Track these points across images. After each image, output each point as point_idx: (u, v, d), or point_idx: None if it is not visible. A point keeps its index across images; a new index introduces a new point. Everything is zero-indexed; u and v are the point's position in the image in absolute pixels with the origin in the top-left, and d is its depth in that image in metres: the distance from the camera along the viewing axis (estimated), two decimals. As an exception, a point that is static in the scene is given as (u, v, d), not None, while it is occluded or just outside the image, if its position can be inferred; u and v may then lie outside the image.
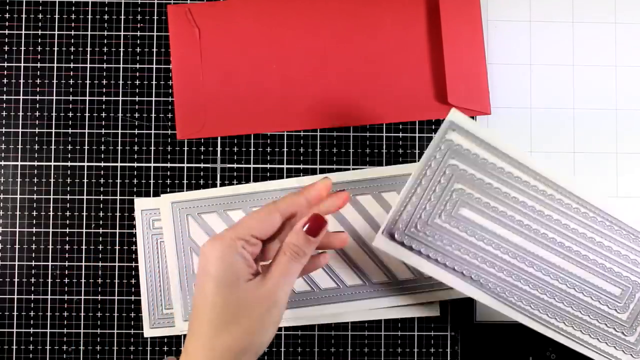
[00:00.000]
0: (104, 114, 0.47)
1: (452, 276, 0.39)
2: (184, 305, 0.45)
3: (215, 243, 0.35)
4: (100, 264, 0.47)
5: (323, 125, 0.47)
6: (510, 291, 0.39)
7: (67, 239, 0.47)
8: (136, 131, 0.47)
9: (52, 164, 0.47)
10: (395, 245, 0.39)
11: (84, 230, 0.47)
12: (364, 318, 0.46)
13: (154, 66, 0.48)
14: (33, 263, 0.47)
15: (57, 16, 0.48)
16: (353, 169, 0.47)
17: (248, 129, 0.47)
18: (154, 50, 0.48)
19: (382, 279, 0.46)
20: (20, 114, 0.47)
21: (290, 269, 0.36)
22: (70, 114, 0.47)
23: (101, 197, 0.47)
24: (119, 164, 0.47)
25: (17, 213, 0.47)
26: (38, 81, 0.47)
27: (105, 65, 0.48)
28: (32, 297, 0.47)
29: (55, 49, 0.48)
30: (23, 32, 0.48)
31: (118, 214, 0.47)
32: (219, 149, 0.48)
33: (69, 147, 0.47)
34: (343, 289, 0.46)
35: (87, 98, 0.48)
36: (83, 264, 0.47)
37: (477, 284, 0.39)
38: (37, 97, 0.47)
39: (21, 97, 0.47)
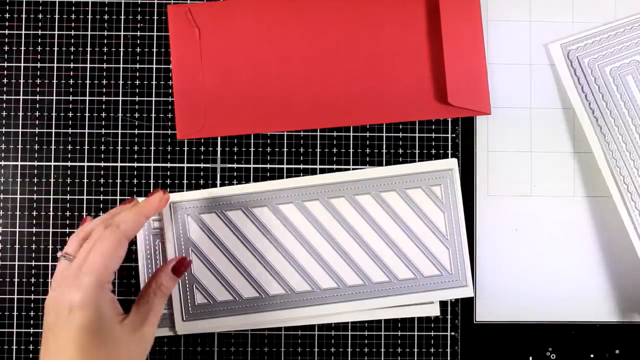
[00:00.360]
0: (104, 114, 0.48)
1: (584, 111, 0.45)
2: (184, 306, 0.46)
3: (78, 294, 0.34)
4: (100, 264, 0.47)
5: (323, 125, 0.47)
6: (621, 161, 0.44)
7: (67, 239, 0.47)
8: (136, 131, 0.48)
9: (52, 164, 0.47)
10: (562, 57, 0.45)
11: (84, 230, 0.47)
12: (364, 318, 0.47)
13: (154, 66, 0.48)
14: (33, 263, 0.47)
15: (57, 16, 0.48)
16: (353, 169, 0.47)
17: (248, 129, 0.47)
18: (154, 50, 0.48)
19: (382, 278, 0.46)
20: (20, 114, 0.47)
21: (162, 308, 0.39)
22: (70, 114, 0.47)
23: (101, 197, 0.47)
24: (119, 164, 0.47)
25: (17, 213, 0.47)
26: (38, 81, 0.47)
27: (105, 65, 0.48)
28: (32, 297, 0.47)
29: (55, 49, 0.48)
30: (23, 32, 0.48)
31: (118, 214, 0.47)
32: (219, 149, 0.48)
33: (69, 147, 0.47)
34: (343, 289, 0.46)
35: (87, 98, 0.48)
36: (83, 264, 0.47)
37: (601, 135, 0.45)
38: (37, 97, 0.47)
39: (21, 97, 0.47)
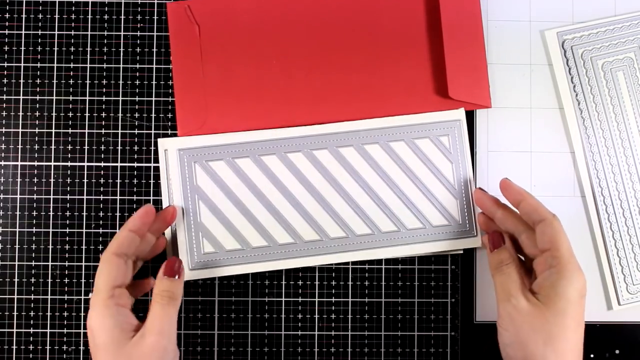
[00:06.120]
0: (104, 114, 0.48)
1: (571, 102, 0.45)
2: (190, 255, 0.46)
3: (92, 313, 0.37)
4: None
5: (325, 120, 0.47)
6: (600, 164, 0.44)
7: (67, 239, 0.47)
8: (136, 131, 0.48)
9: (52, 164, 0.47)
10: (557, 46, 0.45)
11: (84, 230, 0.47)
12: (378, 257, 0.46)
13: (154, 66, 0.48)
14: (33, 263, 0.47)
15: (57, 16, 0.48)
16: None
17: (249, 124, 0.47)
18: (154, 50, 0.48)
19: (391, 228, 0.46)
20: (20, 114, 0.47)
21: (167, 314, 0.38)
22: (70, 114, 0.47)
23: (101, 197, 0.47)
24: (119, 164, 0.47)
25: (17, 213, 0.47)
26: (38, 81, 0.47)
27: (105, 65, 0.48)
28: (32, 297, 0.47)
29: (55, 49, 0.48)
30: (23, 32, 0.48)
31: (118, 214, 0.47)
32: (219, 149, 0.47)
33: (69, 147, 0.47)
34: (352, 238, 0.46)
35: (87, 98, 0.48)
36: (83, 264, 0.47)
37: (584, 134, 0.45)
38: (37, 97, 0.47)
39: (21, 97, 0.47)
